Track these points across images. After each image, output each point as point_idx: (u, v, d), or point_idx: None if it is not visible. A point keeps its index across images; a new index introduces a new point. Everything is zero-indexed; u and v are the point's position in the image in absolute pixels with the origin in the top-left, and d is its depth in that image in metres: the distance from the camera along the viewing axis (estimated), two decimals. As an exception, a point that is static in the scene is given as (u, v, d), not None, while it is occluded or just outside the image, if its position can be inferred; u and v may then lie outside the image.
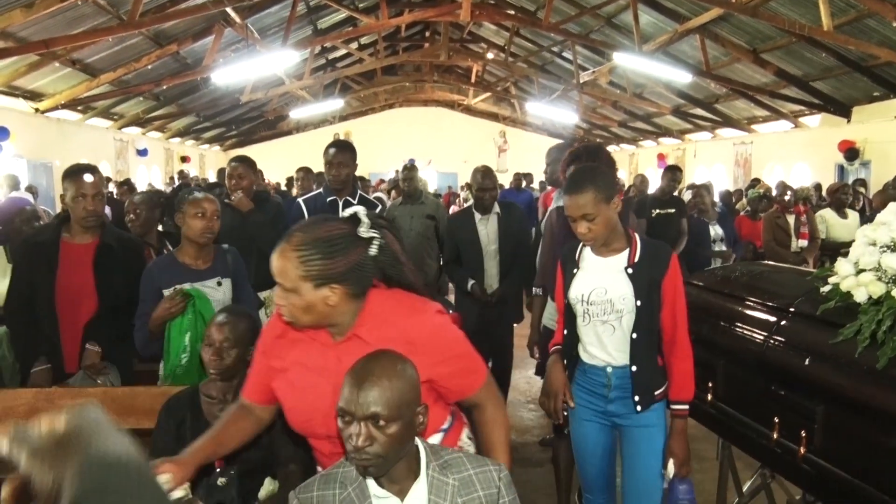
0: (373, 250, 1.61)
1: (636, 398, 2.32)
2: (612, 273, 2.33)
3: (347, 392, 1.44)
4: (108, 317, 2.91)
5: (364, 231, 1.60)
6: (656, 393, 2.35)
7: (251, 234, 3.68)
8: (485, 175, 4.31)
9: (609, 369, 2.35)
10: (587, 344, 2.39)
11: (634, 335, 2.30)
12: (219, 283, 2.87)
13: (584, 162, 2.98)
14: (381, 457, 1.42)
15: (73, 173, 2.91)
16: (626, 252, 2.33)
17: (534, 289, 3.48)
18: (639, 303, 2.27)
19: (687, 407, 2.34)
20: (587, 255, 2.40)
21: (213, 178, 15.28)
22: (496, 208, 4.32)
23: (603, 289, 2.32)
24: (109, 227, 3.04)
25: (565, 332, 2.46)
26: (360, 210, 1.65)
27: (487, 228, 4.31)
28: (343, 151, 3.80)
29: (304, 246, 1.54)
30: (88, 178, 2.89)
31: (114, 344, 2.95)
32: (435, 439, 1.70)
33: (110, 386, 2.88)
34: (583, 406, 2.44)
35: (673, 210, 6.06)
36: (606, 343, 2.34)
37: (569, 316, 2.43)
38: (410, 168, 5.49)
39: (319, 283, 1.54)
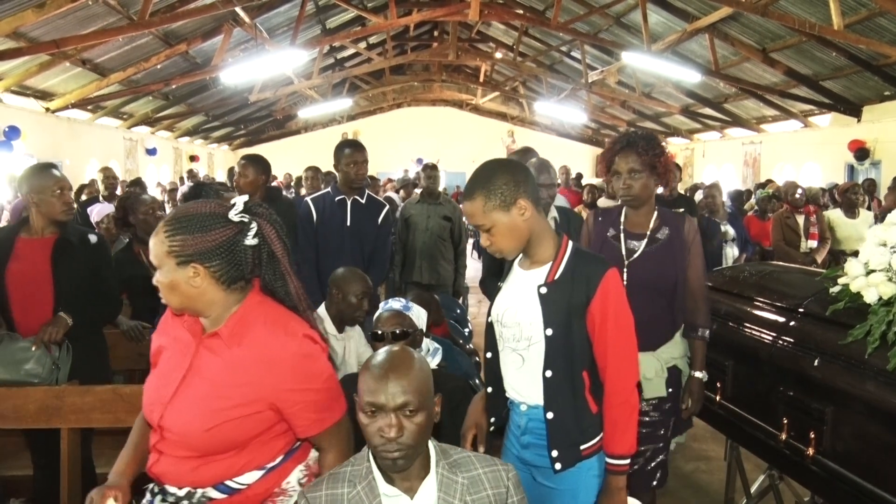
0: (249, 239, 1.56)
1: (553, 453, 1.87)
2: (526, 291, 1.91)
3: (373, 385, 1.44)
4: (76, 307, 2.90)
5: (234, 214, 1.55)
6: (584, 447, 1.87)
7: None
8: (543, 168, 3.23)
9: (523, 408, 1.94)
10: (502, 374, 2.00)
11: (548, 373, 1.86)
12: None
13: (637, 149, 2.53)
14: (412, 447, 1.44)
15: (45, 169, 2.94)
16: (548, 266, 1.90)
17: None
18: (549, 332, 1.85)
19: (624, 462, 1.85)
20: (514, 267, 2.01)
21: (221, 178, 15.37)
22: (553, 212, 3.30)
23: (515, 309, 1.92)
24: (70, 224, 3.04)
25: (488, 355, 2.04)
26: (241, 198, 1.60)
27: None
28: (362, 150, 3.86)
29: (171, 222, 1.54)
30: (59, 172, 2.93)
31: (85, 331, 2.93)
32: (253, 476, 1.61)
33: (53, 365, 2.81)
34: (507, 445, 2.06)
35: (682, 210, 6.02)
36: (513, 376, 1.95)
37: (490, 337, 2.03)
38: (433, 167, 5.49)
39: (182, 261, 1.51)
